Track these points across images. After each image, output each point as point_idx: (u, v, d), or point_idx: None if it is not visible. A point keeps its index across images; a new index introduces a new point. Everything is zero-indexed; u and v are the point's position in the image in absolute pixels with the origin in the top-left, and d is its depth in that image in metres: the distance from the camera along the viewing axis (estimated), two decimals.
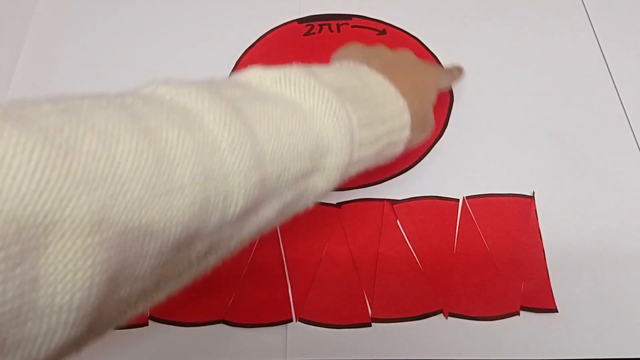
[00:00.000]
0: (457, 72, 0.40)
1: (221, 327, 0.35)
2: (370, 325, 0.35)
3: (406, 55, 0.34)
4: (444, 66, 0.40)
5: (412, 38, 0.48)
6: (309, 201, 0.25)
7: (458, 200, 0.39)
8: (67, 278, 0.14)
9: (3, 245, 0.13)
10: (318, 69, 0.26)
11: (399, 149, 0.30)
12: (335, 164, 0.24)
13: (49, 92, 0.47)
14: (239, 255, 0.38)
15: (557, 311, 0.35)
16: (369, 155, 0.26)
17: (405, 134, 0.29)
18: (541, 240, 0.37)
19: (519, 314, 0.35)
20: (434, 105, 0.33)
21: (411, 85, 0.30)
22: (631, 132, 0.42)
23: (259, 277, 0.37)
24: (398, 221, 0.39)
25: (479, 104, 0.44)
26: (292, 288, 0.36)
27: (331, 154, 0.23)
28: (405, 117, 0.28)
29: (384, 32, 0.49)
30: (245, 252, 0.38)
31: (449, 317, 0.35)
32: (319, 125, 0.23)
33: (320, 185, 0.24)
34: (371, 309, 0.35)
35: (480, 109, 0.44)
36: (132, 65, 0.48)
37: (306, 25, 0.50)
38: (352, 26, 0.50)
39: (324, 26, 0.50)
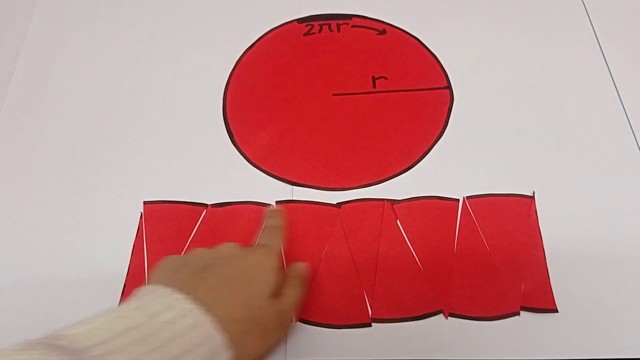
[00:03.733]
0: (281, 221, 0.36)
1: None
2: (370, 325, 0.35)
3: (223, 251, 0.30)
4: (266, 224, 0.35)
5: (412, 38, 0.49)
6: None
7: (458, 200, 0.39)
8: None
9: None
10: (76, 327, 0.23)
11: None
12: None
13: (48, 92, 0.47)
14: None
15: (557, 311, 0.35)
16: None
17: (223, 357, 0.25)
18: (541, 240, 0.37)
19: (519, 314, 0.35)
20: (273, 290, 0.28)
21: (228, 289, 0.26)
22: (631, 132, 0.42)
23: None
24: (398, 221, 0.39)
25: (479, 104, 0.44)
26: None
27: None
28: (217, 339, 0.24)
29: (384, 32, 0.49)
30: None
31: (449, 317, 0.35)
32: None
33: None
34: (371, 309, 0.35)
35: (480, 109, 0.44)
36: (132, 65, 0.48)
37: (306, 25, 0.50)
38: (352, 26, 0.50)
39: (324, 26, 0.50)
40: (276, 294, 0.28)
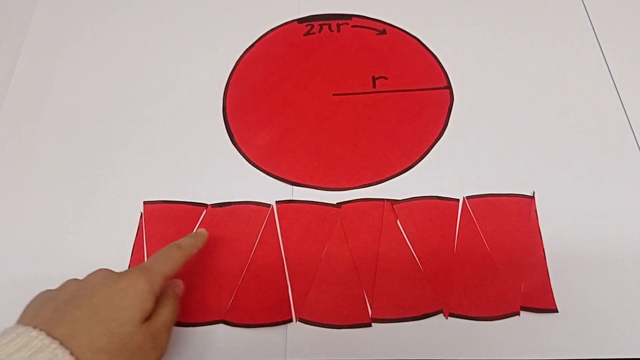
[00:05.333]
0: (193, 241, 0.34)
1: (221, 327, 0.35)
2: (370, 325, 0.35)
3: (93, 279, 0.28)
4: (172, 243, 0.33)
5: (412, 38, 0.49)
6: None
7: (458, 200, 0.39)
8: None
9: None
10: None
11: None
12: None
13: (48, 92, 0.47)
14: (239, 256, 0.38)
15: (557, 311, 0.35)
16: None
17: None
18: (541, 240, 0.37)
19: (519, 314, 0.35)
20: (144, 314, 0.27)
21: (92, 319, 0.26)
22: (631, 132, 0.42)
23: (259, 277, 0.37)
24: (398, 221, 0.39)
25: (479, 104, 0.44)
26: (292, 288, 0.36)
27: None
28: None
29: (384, 32, 0.49)
30: (245, 252, 0.38)
31: (449, 317, 0.35)
32: None
33: None
34: (371, 309, 0.35)
35: (480, 109, 0.44)
36: (132, 65, 0.48)
37: (306, 25, 0.50)
38: (352, 26, 0.50)
39: (324, 26, 0.50)
40: (149, 316, 0.28)
